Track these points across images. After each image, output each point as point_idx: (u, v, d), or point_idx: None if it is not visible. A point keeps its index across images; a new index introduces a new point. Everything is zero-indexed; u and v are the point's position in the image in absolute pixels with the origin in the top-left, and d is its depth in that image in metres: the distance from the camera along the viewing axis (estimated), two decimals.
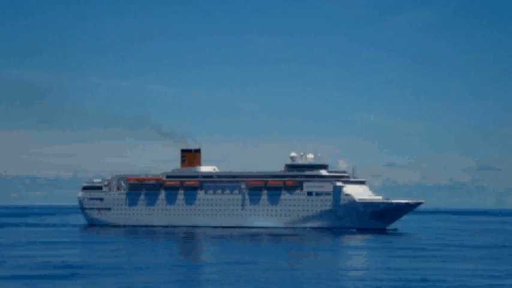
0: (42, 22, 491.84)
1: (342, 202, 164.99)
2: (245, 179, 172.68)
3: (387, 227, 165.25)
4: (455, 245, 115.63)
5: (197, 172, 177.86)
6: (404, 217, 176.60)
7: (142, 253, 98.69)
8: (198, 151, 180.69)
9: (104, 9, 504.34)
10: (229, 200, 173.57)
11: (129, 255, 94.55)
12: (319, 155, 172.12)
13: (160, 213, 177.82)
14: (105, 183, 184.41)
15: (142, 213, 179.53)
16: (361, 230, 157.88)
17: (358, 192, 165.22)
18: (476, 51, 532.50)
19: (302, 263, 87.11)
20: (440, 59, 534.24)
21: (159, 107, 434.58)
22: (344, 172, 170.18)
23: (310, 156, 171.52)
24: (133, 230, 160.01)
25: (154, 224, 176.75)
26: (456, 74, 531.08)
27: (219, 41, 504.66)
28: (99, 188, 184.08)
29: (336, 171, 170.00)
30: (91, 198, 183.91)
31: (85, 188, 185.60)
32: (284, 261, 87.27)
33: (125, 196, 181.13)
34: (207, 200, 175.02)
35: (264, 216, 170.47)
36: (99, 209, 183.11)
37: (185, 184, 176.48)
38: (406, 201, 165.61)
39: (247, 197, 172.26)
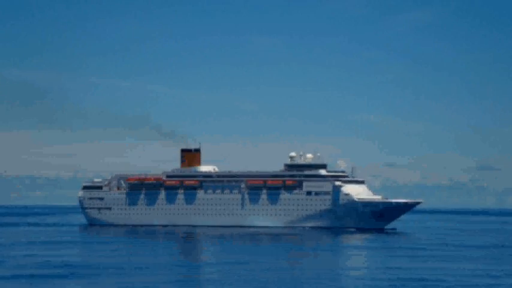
0: (42, 22, 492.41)
1: (341, 202, 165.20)
2: (245, 179, 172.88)
3: (385, 227, 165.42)
4: (455, 245, 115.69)
5: (197, 172, 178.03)
6: (404, 217, 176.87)
7: (142, 253, 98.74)
8: (198, 151, 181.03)
9: (104, 9, 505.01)
10: (229, 199, 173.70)
11: (129, 255, 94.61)
12: (318, 154, 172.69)
13: (160, 212, 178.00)
14: (106, 182, 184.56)
15: (143, 213, 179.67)
16: (360, 230, 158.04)
17: (357, 192, 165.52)
18: (476, 51, 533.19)
19: (302, 262, 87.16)
20: (440, 59, 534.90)
21: (159, 107, 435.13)
22: (343, 172, 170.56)
23: (310, 156, 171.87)
24: (133, 230, 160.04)
25: (155, 223, 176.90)
26: (456, 74, 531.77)
27: (219, 41, 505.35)
28: (100, 187, 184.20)
29: (335, 171, 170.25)
30: (91, 198, 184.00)
31: (85, 188, 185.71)
32: (284, 261, 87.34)
33: (125, 196, 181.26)
34: (207, 199, 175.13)
35: (264, 216, 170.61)
36: (99, 208, 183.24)
37: (185, 184, 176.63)
38: (405, 200, 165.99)
39: (246, 196, 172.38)
